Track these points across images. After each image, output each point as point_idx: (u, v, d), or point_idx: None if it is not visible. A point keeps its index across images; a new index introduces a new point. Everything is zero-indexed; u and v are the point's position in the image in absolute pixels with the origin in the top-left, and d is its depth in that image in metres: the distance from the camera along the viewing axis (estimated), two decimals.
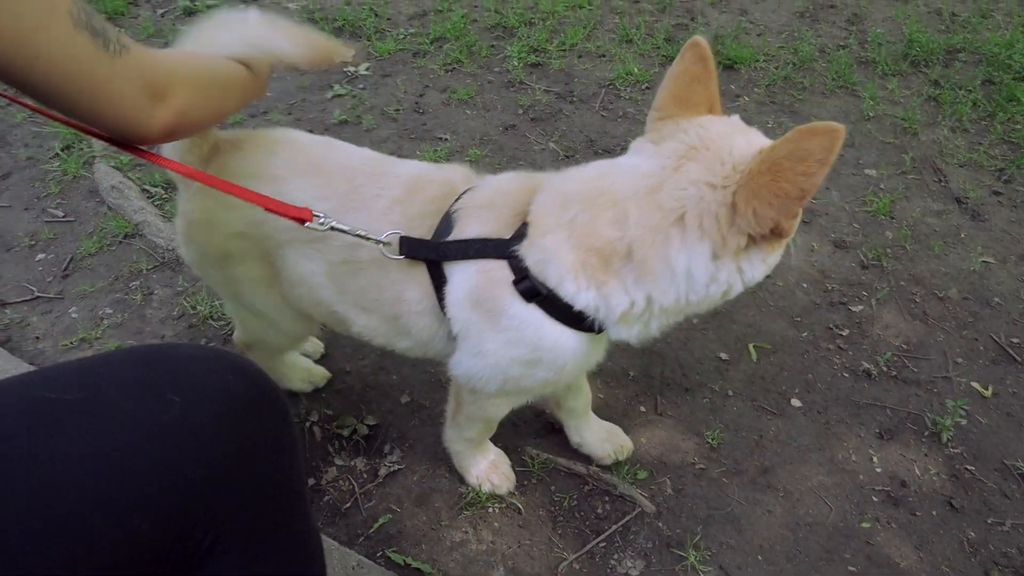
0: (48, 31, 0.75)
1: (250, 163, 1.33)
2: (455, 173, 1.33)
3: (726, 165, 1.03)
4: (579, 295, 1.12)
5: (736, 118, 1.14)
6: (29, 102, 0.87)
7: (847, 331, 2.01)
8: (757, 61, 3.16)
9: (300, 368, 1.82)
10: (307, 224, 1.12)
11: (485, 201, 1.23)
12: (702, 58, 1.13)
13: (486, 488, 1.60)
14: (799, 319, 2.05)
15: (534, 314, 1.16)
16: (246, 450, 0.84)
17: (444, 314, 1.25)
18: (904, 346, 1.98)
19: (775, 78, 3.05)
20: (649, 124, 1.17)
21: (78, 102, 0.82)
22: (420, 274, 1.25)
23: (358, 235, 1.17)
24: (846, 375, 1.90)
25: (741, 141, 1.06)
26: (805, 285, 2.15)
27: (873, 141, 2.72)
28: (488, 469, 1.61)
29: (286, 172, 1.30)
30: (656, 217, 1.06)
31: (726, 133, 1.07)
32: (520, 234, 1.16)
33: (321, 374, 1.84)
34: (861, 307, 2.08)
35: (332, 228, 1.14)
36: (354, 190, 1.28)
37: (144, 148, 0.97)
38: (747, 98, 2.95)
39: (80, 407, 0.75)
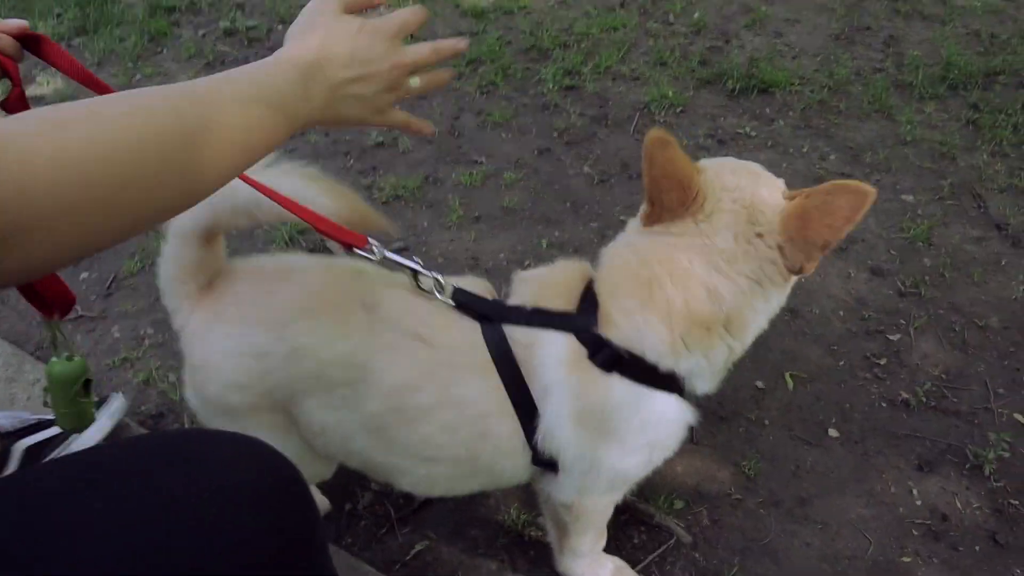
0: None
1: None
2: (481, 283, 1.28)
3: (765, 214, 1.09)
4: (682, 361, 1.15)
5: (731, 160, 1.19)
6: None
7: (884, 360, 2.00)
8: (792, 84, 3.15)
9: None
10: (356, 250, 1.04)
11: (531, 286, 1.24)
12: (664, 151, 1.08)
13: None
14: (835, 347, 2.03)
15: (640, 389, 1.15)
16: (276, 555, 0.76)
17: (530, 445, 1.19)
18: (943, 376, 1.96)
19: (810, 102, 3.05)
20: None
21: None
22: (507, 405, 1.16)
23: (412, 266, 1.11)
24: (884, 405, 1.89)
25: (760, 186, 1.12)
26: (841, 313, 2.14)
27: (910, 166, 2.70)
28: None
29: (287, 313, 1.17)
30: (743, 284, 1.11)
31: (745, 185, 1.12)
32: (585, 310, 1.17)
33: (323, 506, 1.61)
34: (899, 335, 2.06)
35: (386, 258, 1.07)
36: (379, 320, 1.16)
37: None
38: (782, 122, 2.94)
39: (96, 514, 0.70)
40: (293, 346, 1.14)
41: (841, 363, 1.99)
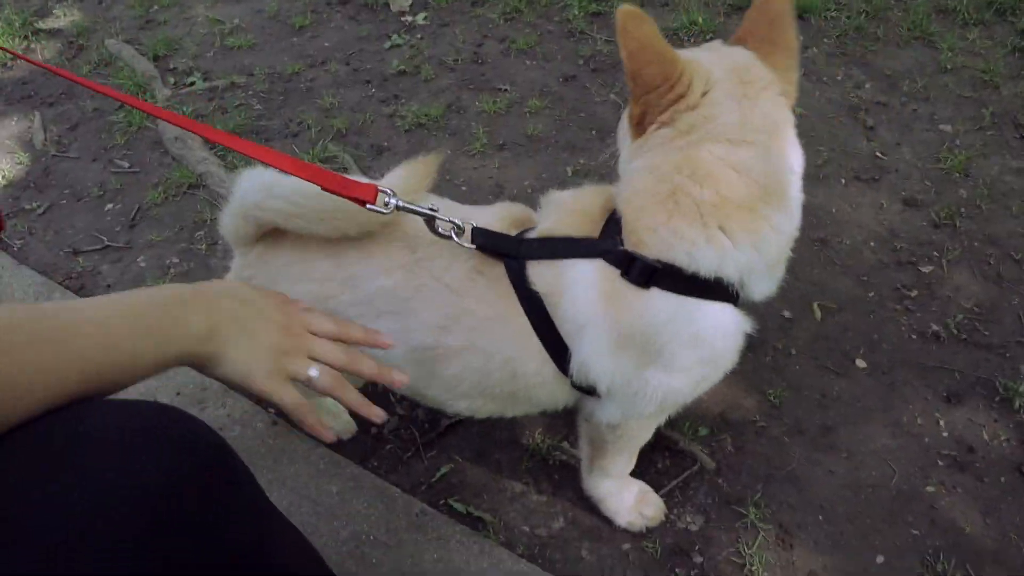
0: None
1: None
2: (516, 208, 1.28)
3: (751, 70, 1.08)
4: (727, 260, 1.07)
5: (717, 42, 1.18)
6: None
7: (915, 292, 1.96)
8: (828, 10, 3.03)
9: (326, 411, 1.60)
10: (368, 206, 1.00)
11: (556, 213, 1.21)
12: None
13: (641, 525, 1.47)
14: (865, 278, 2.00)
15: (685, 301, 1.09)
16: (174, 538, 0.70)
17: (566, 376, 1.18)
18: (976, 309, 1.92)
19: (846, 28, 2.93)
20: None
21: None
22: (533, 343, 1.16)
23: (427, 213, 1.08)
24: (913, 336, 1.86)
25: (728, 52, 1.11)
26: (872, 244, 2.09)
27: (950, 95, 2.61)
28: (638, 502, 1.49)
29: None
30: (765, 142, 1.06)
31: (716, 56, 1.10)
32: (609, 234, 1.13)
33: (348, 425, 1.63)
34: (931, 267, 2.02)
35: (399, 208, 1.03)
36: (416, 262, 1.17)
37: None
38: (816, 49, 2.84)
39: None
40: (349, 273, 1.17)
41: (871, 294, 1.95)
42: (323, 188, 0.96)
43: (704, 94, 1.05)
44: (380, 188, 1.00)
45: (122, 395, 0.79)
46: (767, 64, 1.08)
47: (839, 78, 2.70)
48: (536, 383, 1.21)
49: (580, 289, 1.12)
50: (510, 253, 1.15)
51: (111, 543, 0.64)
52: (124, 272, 2.11)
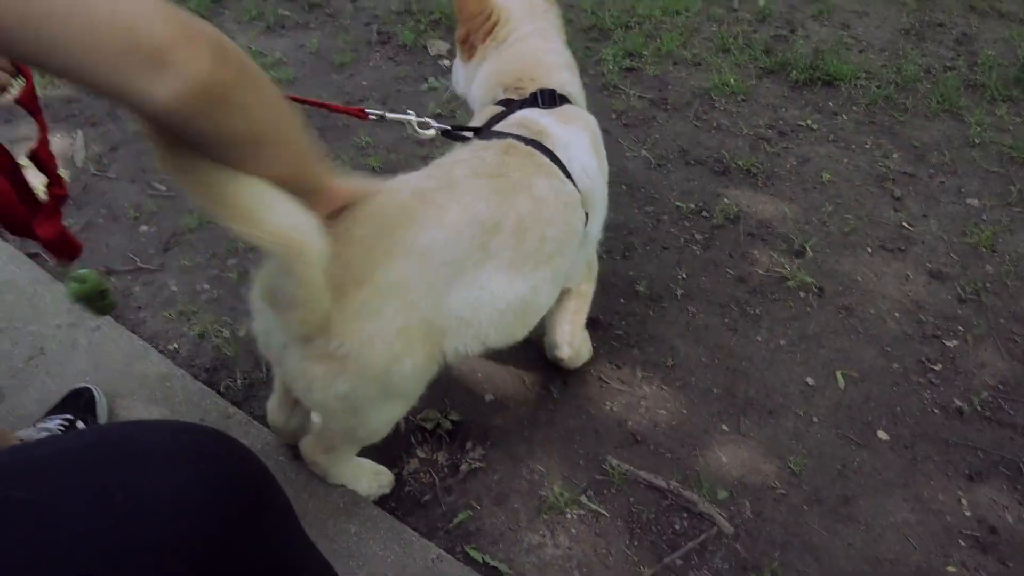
0: None
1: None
2: None
3: None
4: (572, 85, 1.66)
5: None
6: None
7: (939, 366, 1.96)
8: (858, 78, 3.08)
9: (368, 469, 1.62)
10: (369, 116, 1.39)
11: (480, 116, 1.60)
12: None
13: None
14: (889, 349, 2.00)
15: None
16: (215, 550, 0.76)
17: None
18: (1000, 386, 1.91)
19: (876, 97, 2.98)
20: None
21: (67, 54, 0.63)
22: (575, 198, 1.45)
23: (401, 119, 1.41)
24: (936, 411, 1.85)
25: None
26: (897, 315, 2.10)
27: (977, 169, 2.63)
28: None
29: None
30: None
31: None
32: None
33: (388, 479, 1.63)
34: (956, 342, 2.02)
35: (384, 118, 1.41)
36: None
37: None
38: (845, 116, 2.88)
39: (30, 510, 0.70)
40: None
41: (895, 365, 1.96)
42: (330, 108, 1.36)
43: (508, 21, 1.58)
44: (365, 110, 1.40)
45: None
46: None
47: (867, 146, 2.73)
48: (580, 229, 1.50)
49: (542, 120, 1.46)
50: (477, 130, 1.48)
51: (155, 548, 0.70)
52: (155, 295, 2.13)
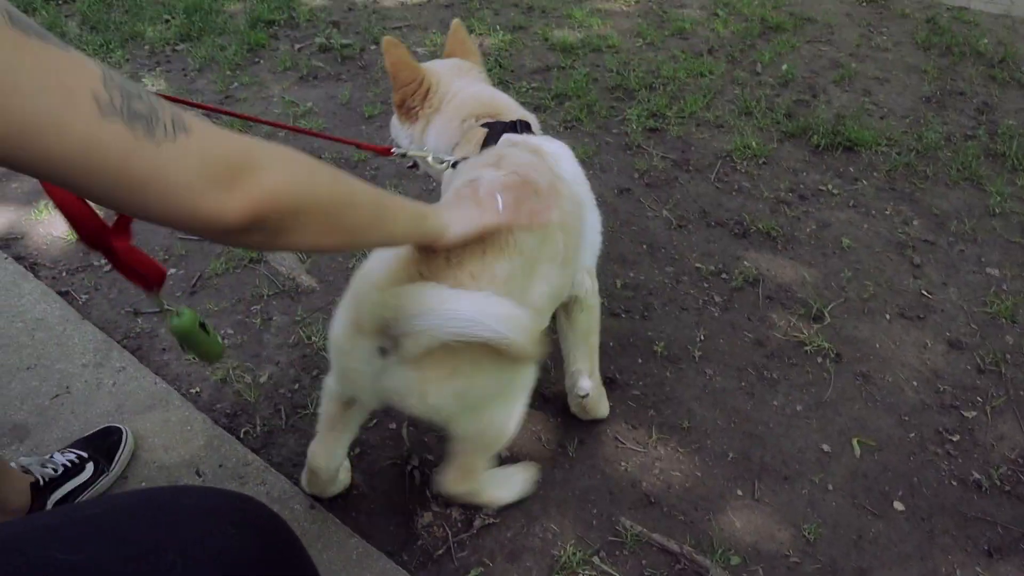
0: (62, 128, 0.61)
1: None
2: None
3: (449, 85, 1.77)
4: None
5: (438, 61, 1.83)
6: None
7: (958, 437, 1.95)
8: (879, 145, 3.12)
9: (511, 472, 1.70)
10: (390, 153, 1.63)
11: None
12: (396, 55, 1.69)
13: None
14: (907, 418, 1.99)
15: None
16: None
17: None
18: (1020, 460, 1.90)
19: (896, 164, 3.01)
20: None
21: (115, 197, 0.68)
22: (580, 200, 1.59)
23: (420, 155, 1.63)
24: (954, 483, 1.84)
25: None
26: (915, 383, 2.10)
27: (997, 239, 2.64)
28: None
29: None
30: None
31: (446, 60, 1.84)
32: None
33: (532, 471, 1.71)
34: (974, 413, 2.01)
35: (406, 155, 1.65)
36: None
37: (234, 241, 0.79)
38: (865, 182, 2.91)
39: (81, 569, 0.73)
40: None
41: (912, 435, 1.95)
42: (358, 146, 1.59)
43: (439, 83, 1.72)
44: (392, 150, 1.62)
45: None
46: (466, 59, 1.82)
47: (887, 213, 2.75)
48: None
49: (546, 144, 1.61)
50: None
51: None
52: None
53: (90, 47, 3.81)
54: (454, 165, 1.56)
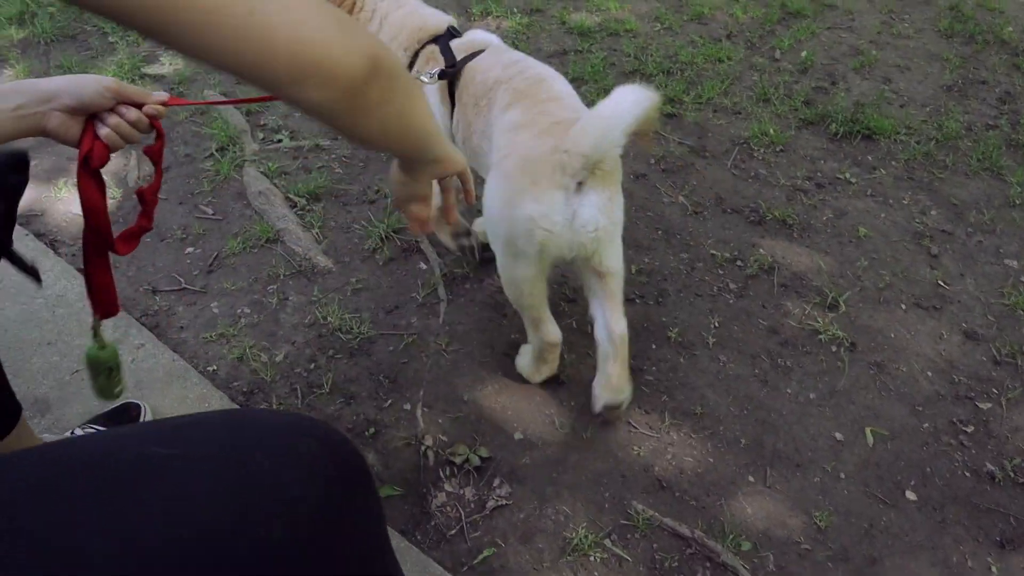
0: None
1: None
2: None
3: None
4: None
5: None
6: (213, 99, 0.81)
7: (972, 428, 1.95)
8: (898, 133, 3.09)
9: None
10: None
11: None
12: None
13: None
14: (920, 408, 1.99)
15: None
16: (331, 517, 0.82)
17: None
18: None
19: (915, 153, 2.98)
20: None
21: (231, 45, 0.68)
22: None
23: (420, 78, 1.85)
24: (967, 474, 1.84)
25: None
26: (930, 374, 2.09)
27: (1017, 230, 2.62)
28: None
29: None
30: None
31: None
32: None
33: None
34: (989, 405, 2.01)
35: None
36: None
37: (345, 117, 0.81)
38: (884, 171, 2.89)
39: (179, 461, 0.77)
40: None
41: (925, 425, 1.95)
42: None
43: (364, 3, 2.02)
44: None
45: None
46: None
47: (905, 202, 2.73)
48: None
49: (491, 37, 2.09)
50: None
51: (256, 541, 0.75)
52: (197, 316, 2.20)
53: (108, 25, 3.82)
54: (442, 77, 1.87)
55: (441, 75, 1.85)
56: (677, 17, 4.02)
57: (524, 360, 1.97)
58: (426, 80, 1.81)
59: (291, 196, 2.66)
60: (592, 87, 3.30)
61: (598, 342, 1.78)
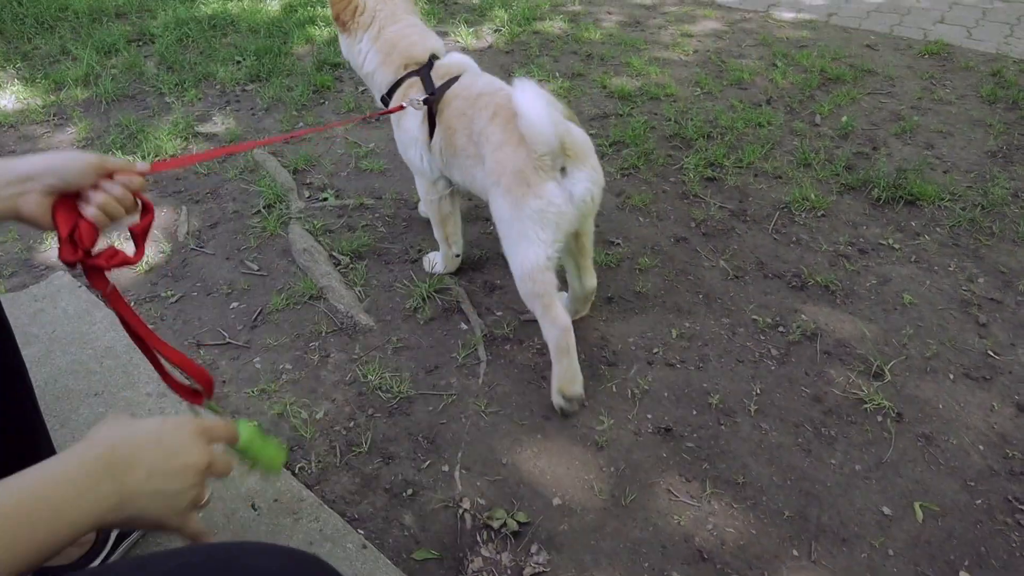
0: None
1: None
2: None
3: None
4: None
5: None
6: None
7: None
8: (942, 199, 3.06)
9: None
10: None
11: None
12: None
13: None
14: (973, 484, 1.93)
15: None
16: None
17: None
18: None
19: (960, 219, 2.95)
20: None
21: None
22: None
23: (402, 105, 2.25)
24: None
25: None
26: (981, 447, 2.03)
27: None
28: None
29: None
30: None
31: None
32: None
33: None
34: None
35: (404, 106, 2.25)
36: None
37: None
38: (928, 237, 2.86)
39: None
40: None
41: (978, 501, 1.88)
42: None
43: (365, 5, 2.38)
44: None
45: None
46: None
47: (951, 269, 2.69)
48: None
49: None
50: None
51: None
52: (240, 370, 2.23)
53: (166, 86, 3.98)
54: (426, 103, 2.20)
55: (426, 101, 2.21)
56: (717, 82, 4.08)
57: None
58: (415, 107, 2.20)
59: (335, 254, 2.72)
60: (633, 151, 3.34)
61: (571, 292, 2.30)
